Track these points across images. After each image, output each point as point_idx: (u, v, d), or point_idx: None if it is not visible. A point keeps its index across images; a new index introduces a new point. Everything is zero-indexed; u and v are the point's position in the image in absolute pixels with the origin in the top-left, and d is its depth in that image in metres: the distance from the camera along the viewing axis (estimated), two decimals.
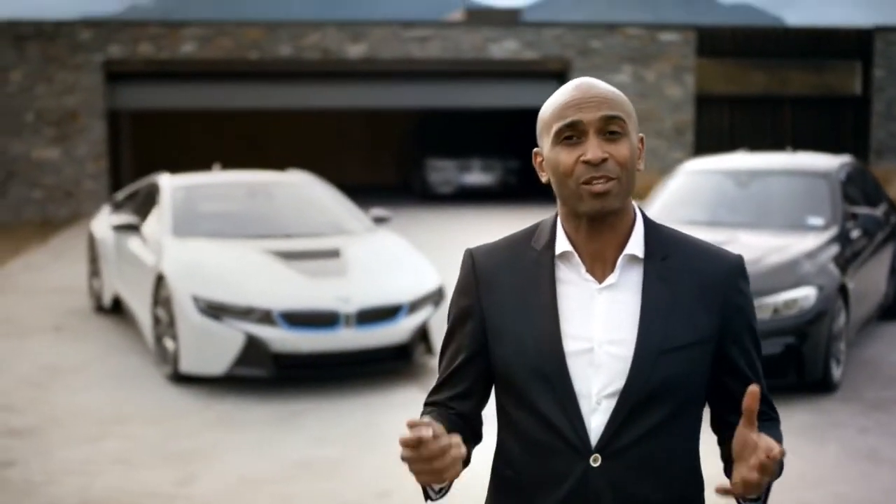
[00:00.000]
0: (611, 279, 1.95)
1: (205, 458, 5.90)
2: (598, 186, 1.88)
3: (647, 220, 2.02)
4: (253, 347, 7.09)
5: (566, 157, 1.91)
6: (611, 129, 1.91)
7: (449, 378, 2.08)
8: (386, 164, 25.75)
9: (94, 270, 10.12)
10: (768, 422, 2.03)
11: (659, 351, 1.91)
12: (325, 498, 5.33)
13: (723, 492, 1.78)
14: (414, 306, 7.49)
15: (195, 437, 6.30)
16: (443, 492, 1.92)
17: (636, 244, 1.97)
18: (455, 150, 21.72)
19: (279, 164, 14.25)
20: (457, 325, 2.07)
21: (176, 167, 12.71)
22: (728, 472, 1.99)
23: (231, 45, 19.51)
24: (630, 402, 1.90)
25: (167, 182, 9.06)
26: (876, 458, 5.79)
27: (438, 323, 7.64)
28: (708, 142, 20.57)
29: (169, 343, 7.45)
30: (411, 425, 1.75)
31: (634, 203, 2.03)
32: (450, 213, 18.96)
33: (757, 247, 7.21)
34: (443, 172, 21.46)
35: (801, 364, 6.77)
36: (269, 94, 20.81)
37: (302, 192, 9.37)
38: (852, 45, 21.77)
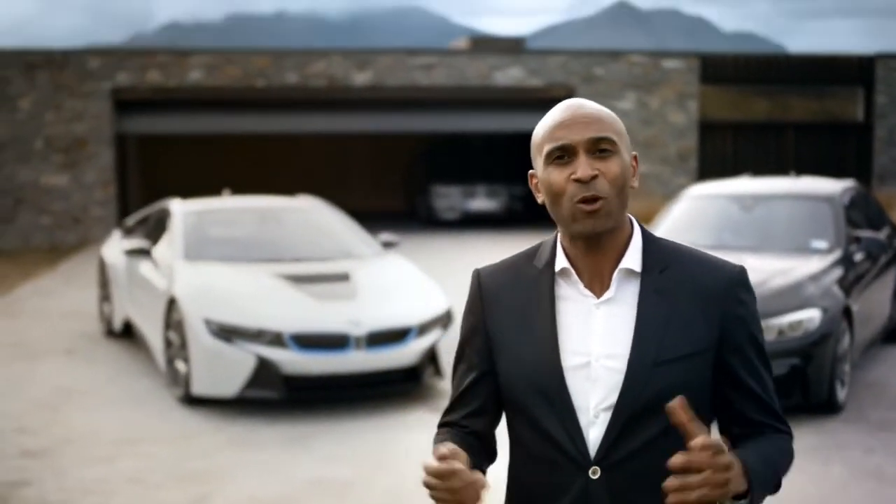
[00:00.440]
0: (608, 294, 1.98)
1: (218, 479, 5.98)
2: (590, 206, 1.92)
3: (645, 233, 2.05)
4: (264, 369, 7.18)
5: (557, 176, 1.95)
6: (601, 147, 1.95)
7: (461, 397, 2.13)
8: (391, 190, 25.88)
9: (105, 295, 10.22)
10: (775, 434, 2.02)
11: (653, 363, 1.92)
12: None
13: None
14: (423, 329, 7.58)
15: (208, 457, 6.37)
16: None
17: (632, 258, 2.00)
18: (460, 176, 21.84)
19: (285, 190, 14.37)
20: (465, 343, 2.13)
21: (183, 193, 12.83)
22: None
23: (238, 73, 19.71)
24: (625, 415, 1.92)
25: (178, 207, 9.17)
26: (882, 478, 5.86)
27: (447, 345, 7.73)
28: (711, 168, 20.69)
29: (180, 365, 7.53)
30: (442, 456, 1.83)
31: (632, 217, 2.06)
32: (455, 238, 19.07)
33: (762, 269, 7.28)
34: (448, 199, 21.57)
35: (806, 385, 6.84)
36: (275, 122, 21.00)
37: (311, 216, 9.48)
38: (854, 72, 21.94)
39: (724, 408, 2.03)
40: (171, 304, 7.75)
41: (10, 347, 9.61)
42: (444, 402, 7.47)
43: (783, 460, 2.00)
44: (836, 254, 7.78)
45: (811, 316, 6.92)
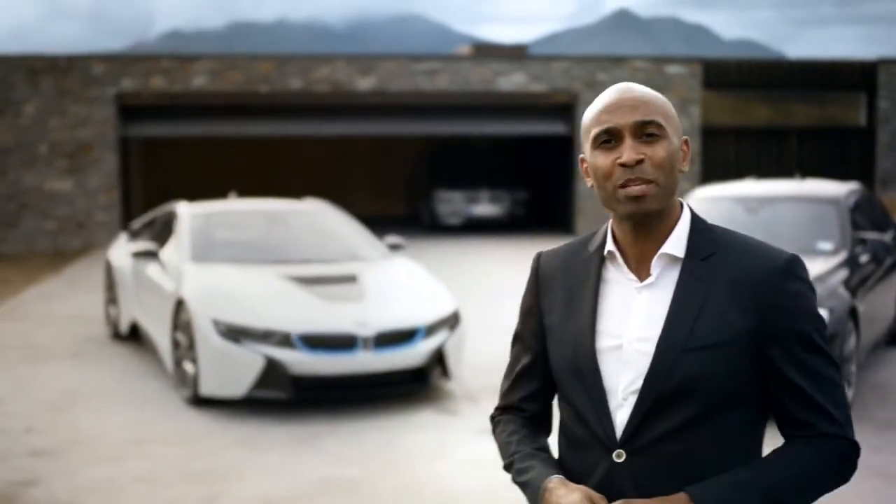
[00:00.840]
0: (650, 279, 1.99)
1: (227, 478, 6.00)
2: (634, 189, 1.92)
3: (694, 219, 2.03)
4: (272, 370, 7.20)
5: (603, 160, 1.96)
6: (647, 131, 1.95)
7: (517, 379, 2.18)
8: (395, 195, 25.91)
9: (111, 298, 10.24)
10: (819, 439, 1.93)
11: (682, 349, 1.91)
12: None
13: None
14: (430, 330, 7.60)
15: (216, 457, 6.39)
16: None
17: (675, 243, 1.99)
18: (463, 181, 21.88)
19: (288, 195, 14.39)
20: (521, 323, 2.18)
21: (185, 198, 12.82)
22: None
23: (242, 79, 19.75)
24: (650, 399, 1.92)
25: (185, 210, 9.20)
26: (888, 476, 5.88)
27: (454, 346, 7.75)
28: (714, 173, 20.72)
29: (188, 366, 7.55)
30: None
31: (683, 202, 2.05)
32: (458, 244, 19.09)
33: None
34: (451, 204, 21.60)
35: None
36: (279, 127, 21.04)
37: (318, 219, 9.50)
38: (857, 77, 21.98)
39: (771, 404, 1.99)
40: (179, 305, 7.77)
41: (17, 350, 9.63)
42: (452, 403, 7.54)
43: (793, 479, 1.91)
44: (842, 255, 7.81)
45: None
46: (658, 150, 1.95)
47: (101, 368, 8.85)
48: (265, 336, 7.29)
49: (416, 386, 7.61)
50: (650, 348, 1.94)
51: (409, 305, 7.77)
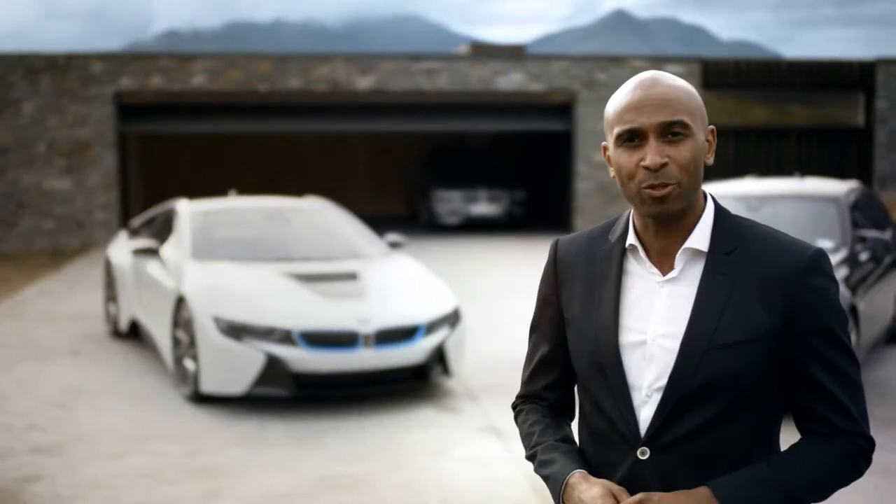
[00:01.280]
0: (672, 273, 1.95)
1: (229, 475, 6.00)
2: (658, 192, 1.88)
3: (718, 211, 2.00)
4: (273, 367, 7.20)
5: (627, 160, 1.91)
6: (673, 130, 1.90)
7: (537, 369, 2.16)
8: (393, 194, 25.92)
9: (111, 296, 10.24)
10: (837, 438, 1.92)
11: (707, 346, 1.88)
12: None
13: None
14: (431, 327, 7.61)
15: (218, 454, 6.40)
16: None
17: (699, 238, 1.95)
18: (462, 181, 21.88)
19: (287, 195, 14.38)
20: (539, 312, 2.15)
21: (184, 197, 12.85)
22: None
23: (241, 78, 19.75)
24: (675, 397, 1.89)
25: (185, 208, 9.20)
26: (889, 473, 5.89)
27: (455, 344, 7.76)
28: (713, 173, 20.72)
29: (189, 364, 7.56)
30: None
31: (708, 193, 2.02)
32: (457, 243, 19.10)
33: None
34: (449, 203, 21.61)
35: None
36: (278, 126, 21.04)
37: (318, 217, 9.51)
38: (855, 77, 22.00)
39: (790, 399, 1.96)
40: (180, 302, 7.78)
41: (18, 348, 9.63)
42: (453, 401, 7.55)
43: (812, 476, 1.91)
44: (842, 253, 7.82)
45: None
46: (683, 152, 1.90)
47: (101, 366, 8.85)
48: (266, 333, 7.29)
49: (416, 383, 7.62)
50: (674, 344, 1.91)
51: (409, 303, 7.78)
